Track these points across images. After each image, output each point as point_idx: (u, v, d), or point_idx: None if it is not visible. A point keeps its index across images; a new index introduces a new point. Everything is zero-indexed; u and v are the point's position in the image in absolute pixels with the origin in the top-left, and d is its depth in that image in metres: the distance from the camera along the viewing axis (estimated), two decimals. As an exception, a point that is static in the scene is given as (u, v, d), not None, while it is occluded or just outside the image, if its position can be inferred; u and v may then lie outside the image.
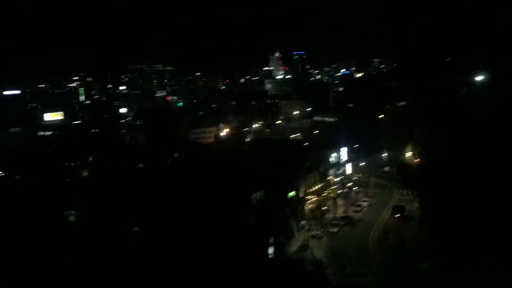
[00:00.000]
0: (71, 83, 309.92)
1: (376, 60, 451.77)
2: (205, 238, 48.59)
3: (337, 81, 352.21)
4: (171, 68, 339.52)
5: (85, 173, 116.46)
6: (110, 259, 47.75)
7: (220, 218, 53.01)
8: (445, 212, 63.27)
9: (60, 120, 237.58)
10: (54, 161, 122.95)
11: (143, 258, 48.37)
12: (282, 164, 76.90)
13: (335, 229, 71.21)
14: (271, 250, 53.68)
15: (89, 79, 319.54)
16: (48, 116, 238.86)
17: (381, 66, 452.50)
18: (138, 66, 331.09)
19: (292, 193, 74.01)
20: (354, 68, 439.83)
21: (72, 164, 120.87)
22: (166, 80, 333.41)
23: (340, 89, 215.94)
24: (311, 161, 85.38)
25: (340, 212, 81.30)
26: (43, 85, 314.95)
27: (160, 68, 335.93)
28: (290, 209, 70.07)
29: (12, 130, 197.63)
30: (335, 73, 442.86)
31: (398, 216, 77.30)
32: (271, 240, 55.74)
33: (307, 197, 79.99)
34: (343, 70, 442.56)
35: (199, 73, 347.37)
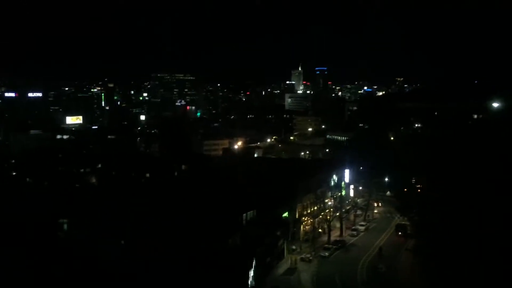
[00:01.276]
0: (94, 88, 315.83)
1: (399, 79, 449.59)
2: (184, 256, 49.02)
3: (358, 99, 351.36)
4: (191, 77, 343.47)
5: (93, 180, 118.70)
6: (89, 271, 48.58)
7: (203, 237, 53.34)
8: (438, 246, 62.25)
9: (80, 124, 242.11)
10: (66, 166, 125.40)
11: (122, 272, 49.15)
12: (280, 184, 77.12)
13: (326, 253, 70.67)
14: (251, 273, 53.50)
15: (110, 85, 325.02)
16: (69, 120, 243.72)
17: (405, 86, 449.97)
18: (159, 75, 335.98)
19: (285, 214, 73.86)
20: (376, 86, 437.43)
21: (82, 170, 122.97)
22: (186, 90, 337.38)
23: (355, 108, 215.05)
24: (311, 182, 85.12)
25: (335, 235, 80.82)
26: (67, 88, 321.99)
27: (181, 78, 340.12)
28: (282, 230, 69.83)
29: (32, 132, 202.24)
30: (358, 91, 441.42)
31: (401, 234, 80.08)
32: (254, 262, 55.63)
33: (303, 218, 79.72)
34: (366, 87, 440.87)
35: (219, 84, 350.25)
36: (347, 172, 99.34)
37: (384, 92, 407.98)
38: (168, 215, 60.34)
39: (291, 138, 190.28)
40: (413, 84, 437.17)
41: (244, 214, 65.43)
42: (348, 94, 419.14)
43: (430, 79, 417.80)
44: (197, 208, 61.27)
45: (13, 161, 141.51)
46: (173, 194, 73.63)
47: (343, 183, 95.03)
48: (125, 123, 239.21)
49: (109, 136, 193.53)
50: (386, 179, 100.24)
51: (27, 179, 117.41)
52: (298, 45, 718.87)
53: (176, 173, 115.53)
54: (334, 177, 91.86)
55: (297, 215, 78.66)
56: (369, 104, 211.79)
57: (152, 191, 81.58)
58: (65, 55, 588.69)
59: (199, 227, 56.04)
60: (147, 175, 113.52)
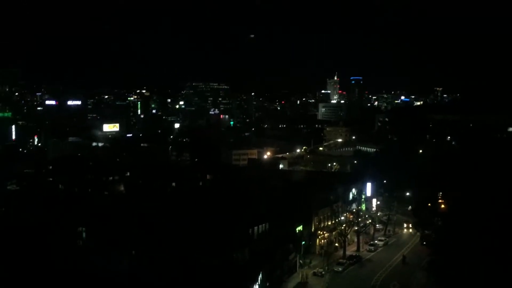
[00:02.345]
0: (131, 96, 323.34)
1: (438, 89, 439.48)
2: (187, 270, 49.99)
3: (388, 109, 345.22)
4: (226, 86, 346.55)
5: (121, 188, 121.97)
6: (96, 279, 50.07)
7: (209, 250, 54.19)
8: (454, 265, 60.75)
9: (116, 132, 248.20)
10: (97, 174, 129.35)
11: (128, 283, 50.48)
12: (296, 197, 77.30)
13: (340, 268, 70.07)
14: (256, 287, 53.84)
15: (147, 93, 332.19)
16: (106, 127, 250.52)
17: (444, 96, 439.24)
18: (194, 83, 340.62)
19: (299, 228, 73.85)
20: (414, 96, 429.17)
21: (110, 178, 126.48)
22: (220, 99, 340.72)
23: (386, 119, 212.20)
24: (329, 195, 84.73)
25: (352, 250, 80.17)
26: (106, 96, 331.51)
27: (215, 87, 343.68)
28: (294, 244, 69.89)
29: (71, 139, 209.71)
30: (395, 100, 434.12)
31: (425, 244, 78.25)
32: (261, 276, 55.98)
33: (319, 232, 79.33)
34: (403, 97, 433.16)
35: (253, 93, 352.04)
36: (369, 186, 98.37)
37: (421, 102, 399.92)
38: (179, 226, 61.52)
39: (320, 148, 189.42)
40: (452, 93, 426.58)
41: (256, 227, 66.03)
42: (385, 104, 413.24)
43: (470, 89, 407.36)
44: (209, 221, 62.29)
45: (50, 167, 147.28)
46: (189, 205, 74.95)
47: (363, 196, 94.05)
48: (159, 131, 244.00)
49: (142, 144, 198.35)
50: (408, 194, 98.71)
51: (60, 185, 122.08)
52: (335, 54, 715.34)
53: (200, 183, 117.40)
54: (354, 190, 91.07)
55: (313, 229, 78.48)
56: (400, 115, 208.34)
57: (171, 201, 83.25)
58: (108, 63, 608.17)
59: (207, 240, 56.92)
60: (173, 184, 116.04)
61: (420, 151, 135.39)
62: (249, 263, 58.08)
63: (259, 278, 55.43)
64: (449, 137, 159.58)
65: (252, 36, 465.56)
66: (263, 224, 67.50)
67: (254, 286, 53.57)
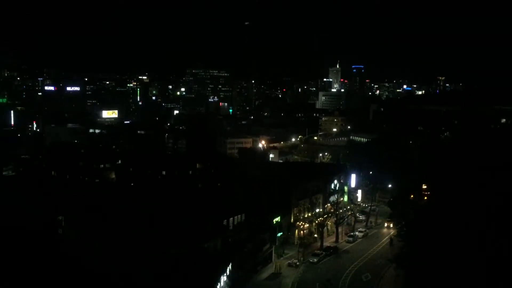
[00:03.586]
0: (130, 83, 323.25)
1: (441, 78, 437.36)
2: (153, 260, 51.13)
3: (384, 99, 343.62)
4: (226, 74, 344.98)
5: (112, 176, 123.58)
6: (72, 267, 51.29)
7: (179, 240, 55.28)
8: (425, 260, 61.36)
9: (115, 118, 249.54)
10: (91, 160, 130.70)
11: (99, 271, 51.67)
12: (277, 188, 78.20)
13: (315, 259, 71.08)
14: (224, 278, 54.89)
15: (146, 80, 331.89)
16: (105, 114, 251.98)
17: (447, 85, 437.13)
18: (194, 70, 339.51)
19: (277, 219, 74.83)
20: (416, 85, 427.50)
21: (102, 166, 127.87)
22: (220, 86, 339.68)
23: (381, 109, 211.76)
24: (310, 186, 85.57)
25: (331, 241, 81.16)
26: (108, 82, 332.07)
27: (215, 74, 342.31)
28: (269, 234, 70.90)
29: (70, 125, 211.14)
30: (396, 89, 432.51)
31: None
32: (230, 267, 57.09)
33: (298, 223, 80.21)
34: (405, 86, 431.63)
35: (254, 80, 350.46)
36: (353, 177, 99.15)
37: (423, 92, 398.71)
38: (155, 216, 62.60)
39: (315, 138, 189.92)
40: (455, 83, 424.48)
41: (231, 218, 67.04)
42: (386, 93, 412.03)
43: (473, 78, 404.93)
44: (185, 211, 63.45)
45: (46, 153, 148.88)
46: (170, 195, 76.07)
47: (346, 187, 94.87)
48: (157, 118, 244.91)
49: (139, 131, 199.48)
50: (390, 185, 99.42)
51: (53, 172, 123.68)
52: (338, 42, 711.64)
53: (189, 172, 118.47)
54: (336, 181, 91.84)
55: (292, 219, 79.45)
56: (394, 105, 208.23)
57: (154, 190, 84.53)
58: (111, 49, 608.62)
59: (179, 230, 57.93)
60: (162, 173, 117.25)
61: (410, 142, 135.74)
62: (220, 254, 59.19)
63: (227, 269, 56.52)
64: (442, 128, 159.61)
65: (247, 23, 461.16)
66: (239, 215, 68.50)
67: (222, 276, 54.61)
